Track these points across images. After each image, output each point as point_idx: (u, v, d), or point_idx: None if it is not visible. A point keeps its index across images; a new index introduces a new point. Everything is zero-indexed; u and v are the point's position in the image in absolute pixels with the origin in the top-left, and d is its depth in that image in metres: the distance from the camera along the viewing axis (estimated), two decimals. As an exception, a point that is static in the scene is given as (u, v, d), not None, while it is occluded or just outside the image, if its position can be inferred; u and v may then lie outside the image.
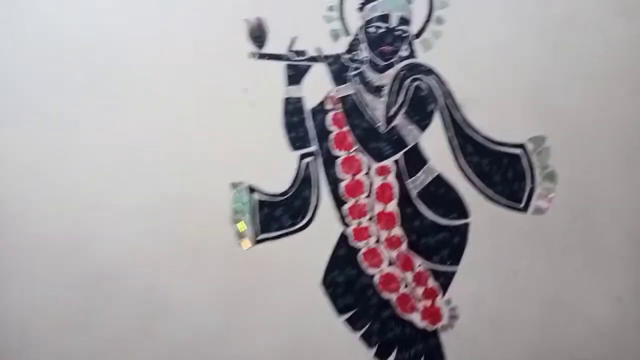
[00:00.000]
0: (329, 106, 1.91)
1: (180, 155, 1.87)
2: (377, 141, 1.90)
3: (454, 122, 1.89)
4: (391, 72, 1.91)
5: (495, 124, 1.89)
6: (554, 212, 1.89)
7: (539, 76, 1.89)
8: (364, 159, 1.91)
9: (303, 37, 1.87)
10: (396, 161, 1.91)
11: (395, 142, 1.90)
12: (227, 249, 1.86)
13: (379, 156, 1.89)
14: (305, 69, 1.90)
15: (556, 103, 1.89)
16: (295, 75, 1.84)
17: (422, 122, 1.91)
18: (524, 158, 1.88)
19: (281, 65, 1.90)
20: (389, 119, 1.90)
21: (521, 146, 1.88)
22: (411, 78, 1.90)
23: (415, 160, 1.90)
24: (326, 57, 1.89)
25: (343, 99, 1.91)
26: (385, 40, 1.87)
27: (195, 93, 1.85)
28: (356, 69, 1.91)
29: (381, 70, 1.89)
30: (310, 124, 1.92)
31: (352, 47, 1.90)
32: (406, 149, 1.91)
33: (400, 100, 1.91)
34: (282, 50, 1.88)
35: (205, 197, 1.87)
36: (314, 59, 1.91)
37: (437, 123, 1.91)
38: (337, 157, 1.92)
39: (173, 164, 1.86)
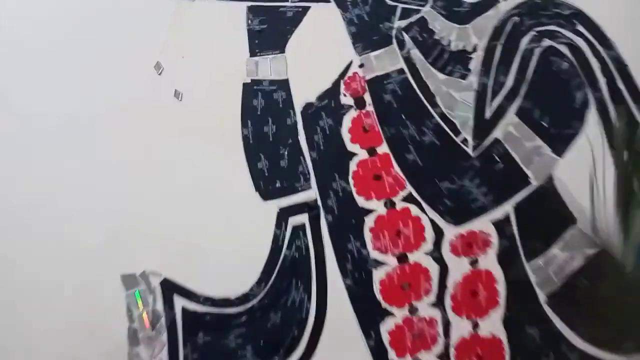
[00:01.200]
0: (345, 100, 0.87)
1: None
2: (456, 176, 0.84)
3: (632, 127, 0.80)
4: (487, 20, 0.85)
5: None
6: None
7: None
8: (425, 218, 0.83)
9: None
10: (501, 222, 0.82)
11: (497, 177, 0.84)
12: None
13: (460, 213, 0.83)
14: (293, 18, 0.89)
15: None
16: (270, 30, 0.89)
17: (560, 134, 0.84)
18: None
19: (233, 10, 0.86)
20: (485, 126, 0.83)
21: None
22: (533, 34, 0.85)
23: (545, 218, 0.84)
24: None
25: (376, 84, 0.87)
26: None
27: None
28: (406, 14, 0.88)
29: (464, 15, 0.87)
30: (302, 139, 0.87)
31: None
32: (524, 193, 0.83)
33: (509, 83, 0.85)
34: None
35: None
36: None
37: (592, 137, 0.84)
38: (365, 213, 0.85)
39: None
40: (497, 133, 0.84)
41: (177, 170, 0.87)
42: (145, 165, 0.87)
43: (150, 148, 0.88)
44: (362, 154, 0.87)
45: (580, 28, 0.84)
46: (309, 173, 0.86)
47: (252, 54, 0.88)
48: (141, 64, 0.89)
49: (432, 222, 0.84)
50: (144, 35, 0.90)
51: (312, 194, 0.86)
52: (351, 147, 0.87)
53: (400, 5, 0.87)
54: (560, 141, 0.84)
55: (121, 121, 0.88)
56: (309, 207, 0.86)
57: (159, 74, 0.89)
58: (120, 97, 0.89)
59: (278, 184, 0.86)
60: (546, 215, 0.83)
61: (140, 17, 0.91)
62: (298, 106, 0.88)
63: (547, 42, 0.85)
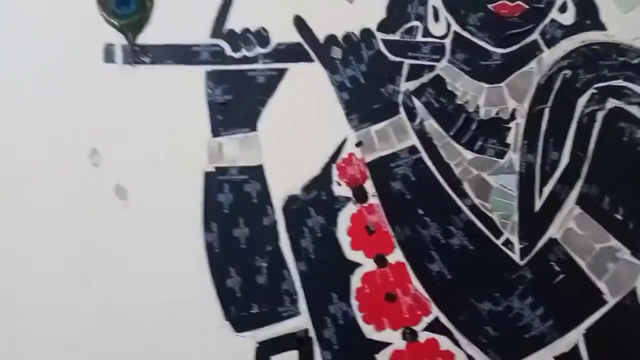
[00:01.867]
0: (340, 190, 0.69)
1: None
2: (501, 295, 0.65)
3: None
4: (527, 77, 0.67)
5: None
6: None
7: None
8: (460, 355, 0.66)
9: None
10: (567, 357, 0.64)
11: (558, 295, 0.65)
12: None
13: (510, 345, 0.65)
14: (267, 85, 0.70)
15: None
16: (237, 102, 0.71)
17: None
18: None
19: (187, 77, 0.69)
20: (535, 223, 0.66)
21: None
22: (593, 92, 0.66)
23: (626, 347, 0.65)
24: (326, 44, 0.69)
25: (380, 168, 0.69)
26: None
27: None
28: (416, 73, 0.69)
29: (495, 72, 0.68)
30: (285, 245, 0.69)
31: (401, 11, 0.69)
32: (597, 315, 0.64)
33: (564, 161, 0.66)
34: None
35: None
36: (287, 54, 0.70)
37: None
38: (376, 349, 0.67)
39: None
40: (553, 231, 0.65)
41: (118, 289, 0.70)
42: (79, 284, 0.70)
43: (86, 260, 0.71)
44: (368, 265, 0.68)
45: None
46: (296, 293, 0.68)
47: (215, 133, 0.70)
48: (72, 152, 0.71)
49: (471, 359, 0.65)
50: (74, 113, 0.71)
51: (301, 321, 0.68)
52: (352, 255, 0.68)
53: (407, 62, 0.68)
54: None
55: (49, 227, 0.71)
56: (298, 341, 0.68)
57: (95, 165, 0.71)
58: (47, 196, 0.71)
59: (255, 309, 0.68)
60: (628, 344, 0.64)
61: (71, 88, 0.72)
62: (278, 201, 0.70)
63: (612, 103, 0.66)
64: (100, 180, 0.71)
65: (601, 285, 0.63)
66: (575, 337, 0.63)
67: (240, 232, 0.69)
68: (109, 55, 0.70)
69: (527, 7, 0.65)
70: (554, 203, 0.65)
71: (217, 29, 0.70)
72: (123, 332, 0.70)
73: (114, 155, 0.71)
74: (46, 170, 0.71)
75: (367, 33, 0.68)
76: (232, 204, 0.69)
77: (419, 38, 0.68)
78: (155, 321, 0.69)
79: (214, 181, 0.69)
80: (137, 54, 0.70)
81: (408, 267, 0.66)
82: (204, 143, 0.70)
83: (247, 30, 0.69)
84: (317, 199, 0.68)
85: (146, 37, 0.71)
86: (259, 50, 0.69)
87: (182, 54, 0.70)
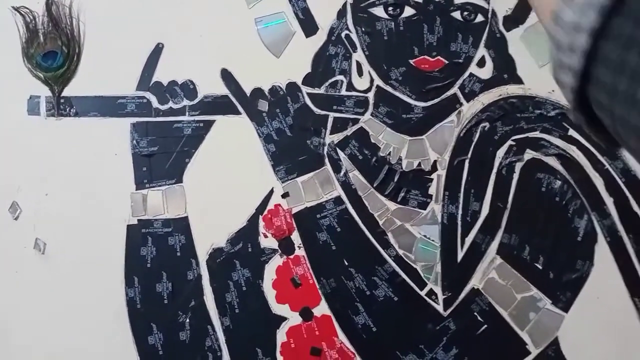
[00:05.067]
0: (266, 242, 0.69)
1: None
2: (425, 345, 0.64)
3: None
4: (447, 129, 0.68)
5: None
6: None
7: None
8: None
9: (184, 48, 0.72)
10: None
11: (482, 345, 0.65)
12: None
13: None
14: (194, 137, 0.70)
15: None
16: (162, 154, 0.70)
17: (562, 280, 0.65)
18: None
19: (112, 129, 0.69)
20: (457, 273, 0.66)
21: None
22: (511, 144, 0.68)
23: None
24: (252, 98, 0.70)
25: (306, 219, 0.68)
26: (422, 38, 0.69)
27: None
28: (340, 126, 0.69)
29: (416, 125, 0.69)
30: (210, 299, 0.68)
31: (326, 66, 0.70)
32: None
33: (485, 211, 0.68)
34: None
35: None
36: (213, 106, 0.70)
37: (605, 279, 0.64)
38: None
39: None
40: (476, 281, 0.66)
41: (38, 343, 0.67)
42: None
43: (5, 314, 0.68)
44: (294, 318, 0.67)
45: (574, 133, 0.66)
46: (220, 349, 0.66)
47: (139, 185, 0.69)
48: None
49: (396, 414, 0.62)
50: None
51: None
52: (278, 308, 0.67)
53: (332, 115, 0.68)
54: (563, 289, 0.64)
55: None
56: None
57: (15, 219, 0.68)
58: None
59: None
60: None
61: None
62: (202, 254, 0.68)
63: (530, 154, 0.67)
64: (20, 234, 0.69)
65: (524, 335, 0.64)
66: (501, 389, 0.62)
67: (162, 286, 0.67)
68: (33, 108, 0.69)
69: (446, 62, 0.68)
70: (476, 253, 0.65)
71: (144, 82, 0.70)
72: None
73: (34, 208, 0.69)
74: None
75: (293, 86, 0.70)
76: (155, 258, 0.67)
77: (343, 92, 0.69)
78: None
79: (137, 234, 0.68)
80: (61, 107, 0.70)
81: (334, 320, 0.65)
82: (127, 195, 0.68)
83: (174, 82, 0.69)
84: (243, 251, 0.67)
85: (71, 89, 0.70)
86: (186, 102, 0.69)
87: (108, 106, 0.70)
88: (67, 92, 0.71)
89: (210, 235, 0.68)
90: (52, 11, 0.72)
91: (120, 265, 0.68)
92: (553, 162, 0.67)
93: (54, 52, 0.73)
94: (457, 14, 0.68)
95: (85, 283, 0.68)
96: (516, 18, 0.68)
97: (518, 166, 0.67)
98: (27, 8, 0.71)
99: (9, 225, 0.68)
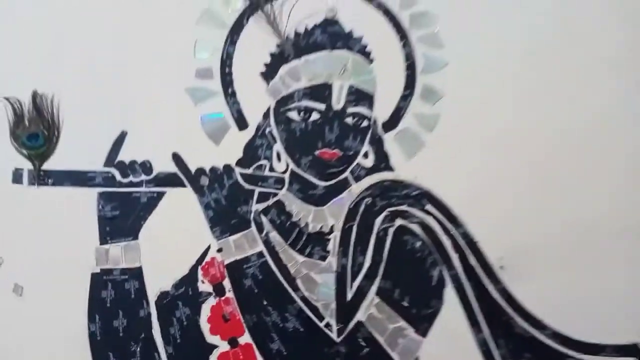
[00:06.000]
0: (203, 287, 0.85)
1: None
2: None
3: (491, 309, 0.81)
4: (341, 202, 0.86)
5: (576, 306, 0.84)
6: None
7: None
8: None
9: (143, 134, 0.87)
10: None
11: None
12: None
13: None
14: (148, 204, 0.86)
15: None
16: (122, 217, 0.85)
17: (421, 314, 0.84)
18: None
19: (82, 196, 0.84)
20: (347, 309, 0.83)
21: (635, 351, 0.83)
22: (386, 214, 0.86)
23: None
24: (196, 175, 0.86)
25: (235, 269, 0.85)
26: (324, 136, 0.86)
27: None
28: (263, 198, 0.87)
29: (319, 198, 0.87)
30: (157, 333, 0.83)
31: (254, 153, 0.88)
32: None
33: (367, 263, 0.85)
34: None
35: None
36: (165, 180, 0.86)
37: (452, 314, 0.84)
38: None
39: None
40: (360, 315, 0.83)
41: None
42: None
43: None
44: (223, 346, 0.82)
45: (429, 207, 0.85)
46: None
47: (103, 241, 0.84)
48: None
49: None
50: None
51: None
52: (211, 338, 0.82)
53: (257, 189, 0.87)
54: (422, 321, 0.83)
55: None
56: None
57: None
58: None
59: None
60: None
61: None
62: (152, 296, 0.83)
63: (399, 222, 0.86)
64: (1, 280, 0.82)
65: (395, 355, 0.81)
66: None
67: (119, 322, 0.81)
68: (17, 178, 0.84)
69: (341, 154, 0.86)
70: (361, 294, 0.83)
71: (110, 160, 0.85)
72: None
73: (15, 258, 0.84)
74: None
75: (227, 167, 0.86)
76: (114, 299, 0.82)
77: (266, 172, 0.87)
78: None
79: (99, 280, 0.82)
80: (41, 178, 0.85)
81: (254, 347, 0.81)
82: (92, 249, 0.83)
83: (134, 162, 0.85)
84: (185, 294, 0.83)
85: (50, 164, 0.86)
86: (143, 177, 0.85)
87: (79, 178, 0.85)
88: (45, 166, 0.85)
89: (158, 281, 0.83)
90: (37, 101, 0.86)
91: (84, 305, 0.82)
92: (416, 228, 0.85)
93: (36, 134, 0.86)
94: (349, 120, 0.86)
95: (55, 320, 0.82)
96: (391, 124, 0.88)
97: (391, 230, 0.85)
98: (16, 98, 0.86)
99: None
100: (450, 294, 0.84)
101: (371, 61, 0.90)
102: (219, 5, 0.91)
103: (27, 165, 0.86)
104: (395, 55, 0.91)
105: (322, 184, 0.87)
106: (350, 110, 0.87)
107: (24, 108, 0.87)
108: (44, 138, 0.87)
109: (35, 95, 0.87)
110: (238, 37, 0.91)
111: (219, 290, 0.84)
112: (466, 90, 0.90)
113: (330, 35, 0.90)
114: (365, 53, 0.90)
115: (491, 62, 0.91)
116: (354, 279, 0.84)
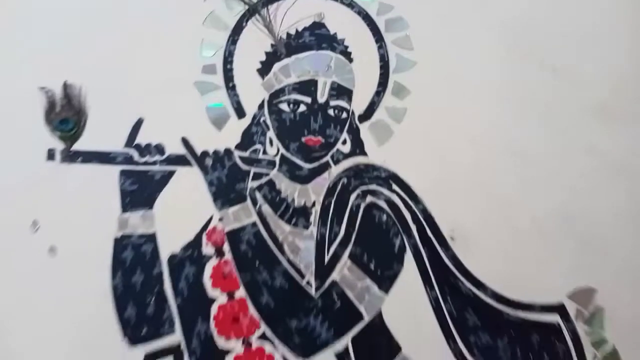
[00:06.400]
0: (207, 250, 0.97)
1: None
2: (303, 315, 0.96)
3: (442, 272, 0.98)
4: (322, 181, 1.00)
5: (512, 272, 1.00)
6: None
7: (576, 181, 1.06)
8: (277, 356, 0.94)
9: (157, 121, 1.00)
10: (342, 354, 0.95)
11: (337, 314, 0.96)
12: None
13: (308, 347, 0.94)
14: (161, 180, 0.98)
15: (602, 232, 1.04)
16: (140, 190, 0.97)
17: (385, 274, 0.99)
18: (565, 330, 0.97)
19: (106, 173, 0.96)
20: (324, 270, 0.97)
21: (559, 309, 0.98)
22: (359, 192, 1.01)
23: (376, 348, 0.96)
24: (201, 156, 1.00)
25: (233, 236, 0.98)
26: (310, 125, 1.02)
27: None
28: (257, 177, 1.01)
29: (304, 178, 1.02)
30: (168, 286, 0.95)
31: (250, 139, 1.03)
32: (359, 327, 0.96)
33: (341, 232, 0.99)
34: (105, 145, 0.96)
35: None
36: (175, 160, 0.99)
37: (410, 275, 0.98)
38: (225, 354, 0.94)
39: None
40: (335, 275, 0.96)
41: (53, 320, 0.92)
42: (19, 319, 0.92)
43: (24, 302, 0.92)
44: (222, 298, 0.95)
45: (395, 187, 1.00)
46: (173, 318, 0.93)
47: (124, 210, 0.97)
48: (17, 223, 0.96)
49: (284, 358, 0.93)
50: (21, 196, 0.97)
51: (176, 338, 0.93)
52: (212, 292, 0.96)
53: (253, 169, 1.00)
54: (385, 280, 0.97)
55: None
56: (174, 351, 0.93)
57: (35, 232, 0.96)
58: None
59: (144, 331, 0.92)
60: (377, 346, 0.96)
61: (22, 179, 0.98)
62: (164, 257, 0.95)
63: (370, 199, 0.99)
64: (38, 242, 0.95)
65: (361, 308, 0.94)
66: (346, 340, 0.93)
67: (136, 278, 0.94)
68: (50, 156, 0.97)
69: (323, 141, 1.00)
70: (336, 258, 0.96)
71: (129, 142, 0.98)
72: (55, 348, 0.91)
73: (50, 224, 0.97)
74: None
75: (228, 151, 0.99)
76: (132, 259, 0.94)
77: (261, 155, 1.00)
78: (70, 339, 0.92)
79: (121, 243, 0.94)
80: (71, 157, 0.99)
81: (248, 300, 0.95)
82: (115, 217, 0.97)
83: (149, 144, 0.98)
84: (191, 255, 0.95)
85: (79, 145, 0.99)
86: (157, 157, 0.97)
87: (104, 157, 0.97)
88: (75, 147, 0.98)
89: (170, 245, 0.95)
90: (67, 91, 1.00)
91: (108, 264, 0.94)
92: (383, 204, 0.98)
93: (66, 119, 0.98)
94: (331, 111, 1.01)
95: (84, 275, 0.93)
96: (366, 116, 1.04)
97: (362, 205, 0.98)
98: (49, 88, 1.00)
99: (30, 236, 0.95)
100: (409, 258, 0.99)
101: (351, 60, 1.05)
102: (222, 9, 1.05)
103: (59, 146, 0.98)
104: (372, 56, 1.06)
105: (307, 166, 1.01)
106: (332, 103, 1.03)
107: (55, 96, 1.00)
108: (74, 123, 0.99)
109: (65, 86, 1.00)
110: (238, 38, 1.06)
111: (219, 253, 0.97)
112: (431, 88, 1.06)
113: (317, 37, 1.05)
114: (346, 53, 1.05)
115: (455, 63, 1.07)
116: (330, 245, 0.98)
